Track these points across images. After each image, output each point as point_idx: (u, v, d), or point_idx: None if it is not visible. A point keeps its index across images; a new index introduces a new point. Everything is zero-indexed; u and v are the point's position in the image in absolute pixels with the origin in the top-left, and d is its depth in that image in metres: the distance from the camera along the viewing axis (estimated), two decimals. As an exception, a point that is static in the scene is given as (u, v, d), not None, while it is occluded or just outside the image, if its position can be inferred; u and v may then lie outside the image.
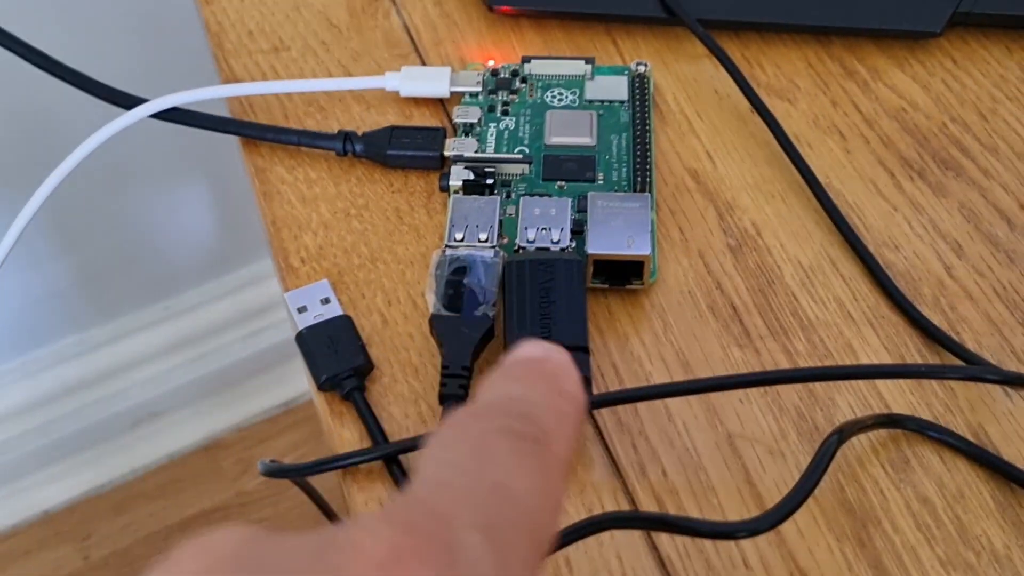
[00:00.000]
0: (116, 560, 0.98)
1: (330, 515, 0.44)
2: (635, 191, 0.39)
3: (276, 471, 0.34)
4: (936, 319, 0.36)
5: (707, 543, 0.31)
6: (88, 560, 0.98)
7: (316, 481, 0.41)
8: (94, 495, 1.01)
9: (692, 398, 0.34)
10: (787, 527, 0.31)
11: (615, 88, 0.42)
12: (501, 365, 0.24)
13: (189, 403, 1.03)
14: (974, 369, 0.33)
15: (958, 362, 0.34)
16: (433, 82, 0.42)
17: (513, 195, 0.39)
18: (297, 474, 0.34)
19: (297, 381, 1.05)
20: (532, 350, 0.24)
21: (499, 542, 0.18)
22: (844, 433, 0.31)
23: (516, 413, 0.22)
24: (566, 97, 0.42)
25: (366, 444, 0.34)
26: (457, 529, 0.18)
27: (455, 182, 0.39)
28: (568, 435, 0.22)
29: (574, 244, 0.36)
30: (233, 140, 0.42)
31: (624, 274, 0.36)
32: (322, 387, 0.34)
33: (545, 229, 0.36)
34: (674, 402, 0.34)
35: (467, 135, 0.41)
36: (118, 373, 0.99)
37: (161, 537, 0.99)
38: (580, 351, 0.33)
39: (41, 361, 0.96)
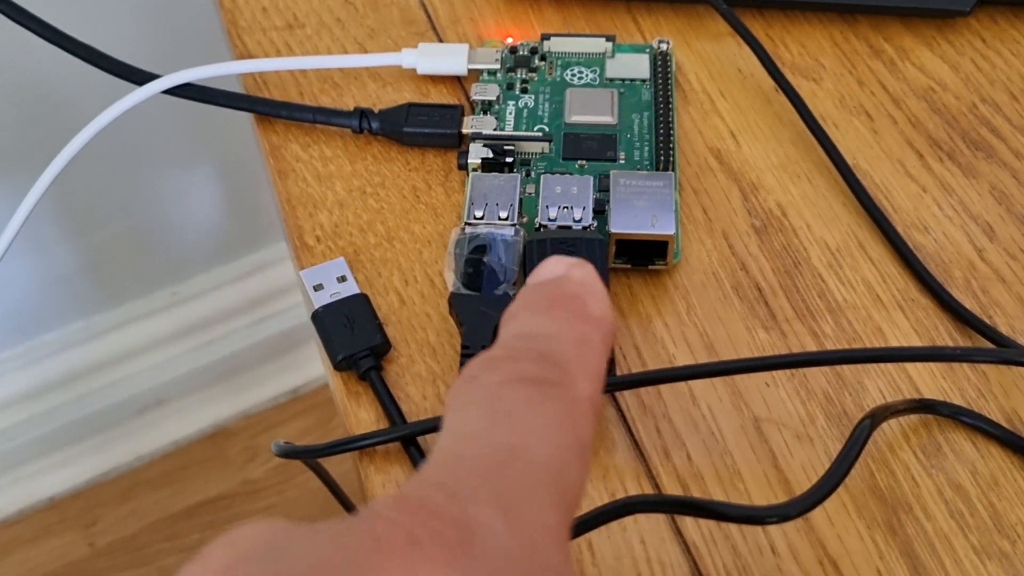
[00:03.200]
0: (121, 547, 0.97)
1: (342, 499, 0.43)
2: (658, 170, 0.38)
3: (290, 452, 0.33)
4: (968, 302, 0.35)
5: (733, 529, 0.30)
6: (93, 547, 0.97)
7: (328, 466, 0.40)
8: (100, 482, 1.00)
9: (717, 381, 0.33)
10: (816, 514, 0.30)
11: (636, 66, 0.41)
12: (522, 289, 0.23)
13: (196, 390, 1.02)
14: (1009, 352, 0.32)
15: (991, 346, 0.33)
16: (451, 59, 0.41)
17: (532, 174, 0.38)
18: (311, 455, 0.33)
19: (305, 368, 1.04)
20: (552, 268, 0.23)
21: (516, 512, 0.18)
22: (876, 418, 0.30)
23: (532, 354, 0.20)
24: (586, 75, 0.41)
25: (383, 425, 0.33)
26: (471, 506, 0.17)
27: (474, 160, 0.38)
28: (592, 365, 0.21)
29: (596, 224, 0.35)
30: (243, 123, 0.42)
31: (647, 254, 0.35)
32: (338, 367, 0.33)
33: (567, 207, 0.35)
34: (698, 385, 0.33)
35: (485, 113, 0.40)
36: (124, 359, 0.98)
37: (167, 524, 0.98)
38: (603, 332, 0.32)
39: (47, 347, 0.95)
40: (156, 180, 0.90)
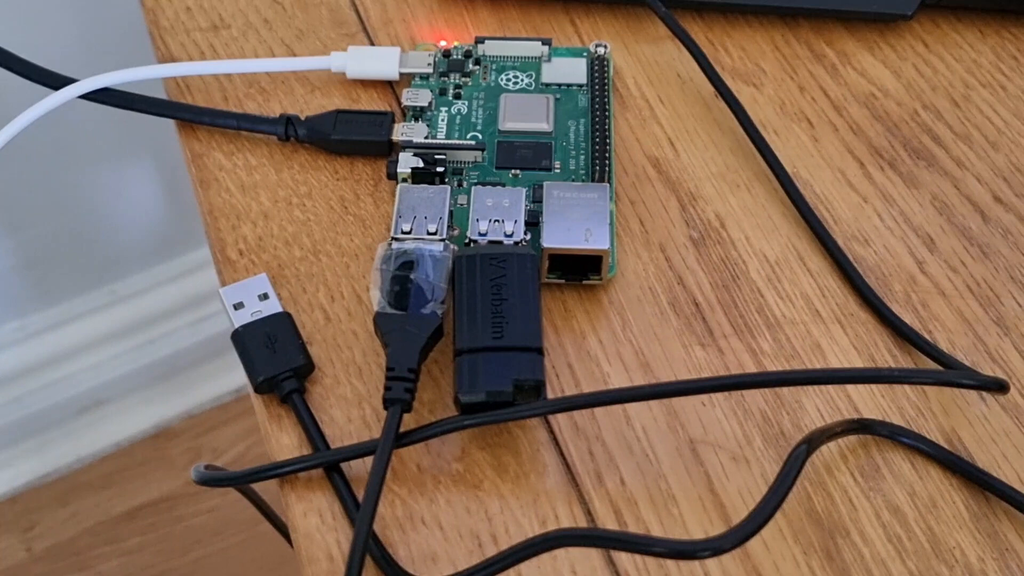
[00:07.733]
0: (60, 552, 0.95)
1: (270, 517, 0.42)
2: (593, 180, 0.36)
3: (210, 480, 0.32)
4: (907, 317, 0.34)
5: (667, 557, 0.29)
6: (31, 552, 0.95)
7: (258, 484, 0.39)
8: (38, 485, 0.98)
9: (652, 401, 0.32)
10: (752, 540, 0.29)
11: (573, 71, 0.40)
12: None
13: (136, 390, 1.00)
14: (950, 374, 0.31)
15: (930, 363, 0.33)
16: (381, 63, 0.40)
17: (465, 184, 0.37)
18: (232, 483, 0.32)
19: (248, 367, 1.02)
20: None
21: None
22: (813, 442, 0.29)
23: None
24: (521, 80, 0.40)
25: (306, 450, 0.31)
26: None
27: (403, 169, 0.36)
28: None
29: (528, 237, 0.34)
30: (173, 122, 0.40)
31: (581, 269, 0.34)
32: (259, 389, 0.32)
33: (498, 221, 0.34)
34: (633, 405, 0.32)
35: (417, 120, 0.38)
36: (62, 360, 0.95)
37: (107, 528, 0.96)
38: (534, 352, 0.31)
39: (-19, 348, 0.92)
40: (92, 176, 0.88)
